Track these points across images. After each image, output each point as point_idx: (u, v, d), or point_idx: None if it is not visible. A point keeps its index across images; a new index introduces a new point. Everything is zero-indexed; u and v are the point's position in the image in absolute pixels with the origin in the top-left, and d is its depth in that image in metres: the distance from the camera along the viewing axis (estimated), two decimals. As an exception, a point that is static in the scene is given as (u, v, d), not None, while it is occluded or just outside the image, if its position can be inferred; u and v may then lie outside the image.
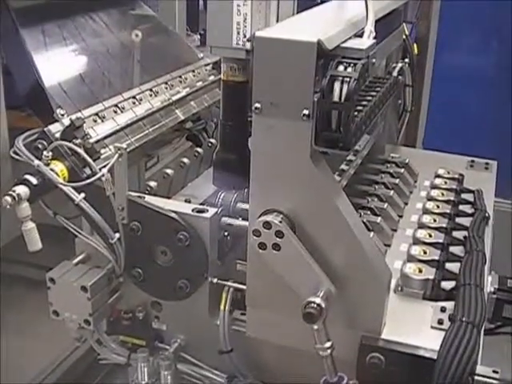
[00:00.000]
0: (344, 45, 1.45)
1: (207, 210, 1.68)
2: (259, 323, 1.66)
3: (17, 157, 1.65)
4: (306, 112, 1.39)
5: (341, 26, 1.54)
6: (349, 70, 1.40)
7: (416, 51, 2.61)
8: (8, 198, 1.56)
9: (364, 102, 1.59)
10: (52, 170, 1.63)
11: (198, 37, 4.58)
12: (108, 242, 1.70)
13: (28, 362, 3.22)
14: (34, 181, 1.61)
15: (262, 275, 1.57)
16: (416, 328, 1.61)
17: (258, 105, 1.43)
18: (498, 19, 4.27)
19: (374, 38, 1.55)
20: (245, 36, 1.59)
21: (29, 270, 3.68)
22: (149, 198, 1.73)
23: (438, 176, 2.43)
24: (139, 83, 2.18)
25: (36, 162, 1.62)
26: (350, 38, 1.51)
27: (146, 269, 1.74)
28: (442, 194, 2.25)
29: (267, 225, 1.46)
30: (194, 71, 2.46)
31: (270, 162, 1.48)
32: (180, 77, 2.37)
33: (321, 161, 1.48)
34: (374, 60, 1.53)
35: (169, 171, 2.05)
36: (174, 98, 2.21)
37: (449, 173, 2.44)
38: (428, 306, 1.69)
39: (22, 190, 1.59)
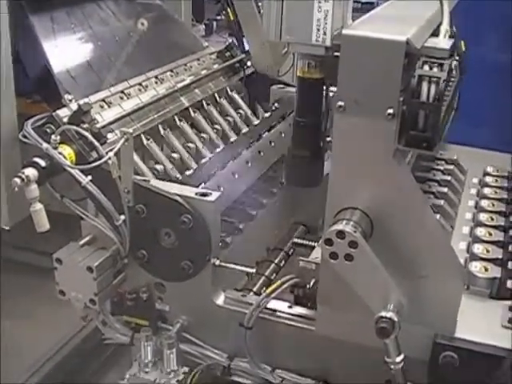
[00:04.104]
0: (428, 44, 1.45)
1: (210, 194, 1.71)
2: (330, 321, 1.66)
3: (26, 140, 1.69)
4: (390, 111, 1.39)
5: (418, 24, 1.52)
6: (435, 69, 1.40)
7: (464, 48, 2.60)
8: (17, 180, 1.60)
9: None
10: (60, 153, 1.67)
11: (203, 27, 4.61)
12: (113, 224, 1.74)
13: (30, 347, 3.25)
14: (42, 163, 1.65)
15: (334, 279, 1.53)
16: (487, 327, 1.61)
17: (341, 103, 1.43)
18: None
19: (451, 36, 1.55)
20: (325, 33, 1.54)
21: (33, 256, 3.71)
22: (154, 182, 1.77)
23: (487, 174, 2.41)
24: (145, 71, 2.21)
25: (44, 145, 1.66)
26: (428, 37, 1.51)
27: (151, 250, 1.77)
28: (495, 192, 2.23)
29: (341, 234, 1.42)
30: (198, 59, 2.49)
31: (352, 160, 1.48)
32: (185, 65, 2.41)
33: (402, 159, 1.49)
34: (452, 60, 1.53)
35: (175, 155, 2.08)
36: (179, 86, 2.25)
37: (498, 170, 2.43)
38: (495, 304, 1.69)
39: (30, 172, 1.62)
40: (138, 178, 1.75)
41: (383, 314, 1.43)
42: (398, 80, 1.38)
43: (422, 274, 1.52)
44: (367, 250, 1.43)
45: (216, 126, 2.34)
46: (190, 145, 2.17)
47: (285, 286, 1.73)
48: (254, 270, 1.88)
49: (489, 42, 4.35)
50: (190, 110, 2.27)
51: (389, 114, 1.39)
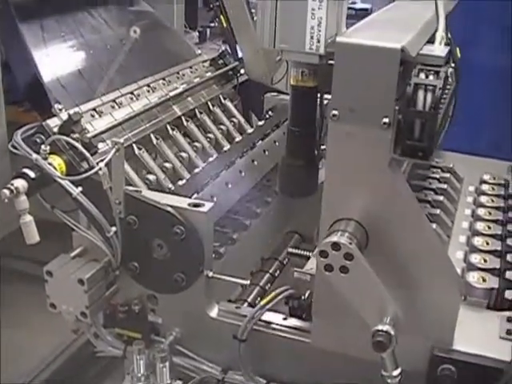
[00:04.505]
0: (423, 52, 1.43)
1: (203, 204, 1.69)
2: (325, 334, 1.64)
3: (15, 151, 1.67)
4: (386, 120, 1.37)
5: (414, 31, 1.50)
6: (430, 77, 1.38)
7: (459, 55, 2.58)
8: (6, 191, 1.57)
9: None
10: (50, 163, 1.65)
11: (197, 34, 4.60)
12: (105, 236, 1.71)
13: (24, 356, 3.22)
14: (32, 174, 1.62)
15: (330, 290, 1.49)
16: (485, 338, 1.59)
17: (335, 112, 1.41)
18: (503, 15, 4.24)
19: (446, 44, 1.53)
20: (319, 41, 1.53)
21: (26, 264, 3.69)
22: (145, 192, 1.75)
23: (483, 182, 2.39)
24: (137, 79, 2.19)
25: (34, 155, 1.64)
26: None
27: (143, 262, 1.75)
28: (492, 201, 2.21)
29: (336, 246, 1.39)
30: (191, 67, 2.48)
31: (346, 170, 1.46)
32: (177, 73, 2.39)
33: (398, 169, 1.47)
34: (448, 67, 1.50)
35: (167, 165, 2.06)
36: (171, 94, 2.23)
37: (494, 178, 2.41)
38: (493, 315, 1.67)
39: (20, 183, 1.60)
40: (130, 188, 1.72)
41: (380, 327, 1.41)
42: (394, 88, 1.36)
43: (419, 285, 1.50)
44: (363, 262, 1.40)
45: (209, 135, 2.32)
46: (183, 154, 2.14)
47: (279, 297, 1.71)
48: (248, 282, 1.86)
49: (486, 46, 4.34)
50: (183, 118, 2.25)
51: (384, 123, 1.37)
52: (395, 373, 1.45)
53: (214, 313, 1.76)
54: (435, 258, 1.49)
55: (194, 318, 1.77)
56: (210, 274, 1.72)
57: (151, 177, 1.96)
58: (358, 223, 1.46)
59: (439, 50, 1.47)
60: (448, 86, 1.76)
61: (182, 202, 1.70)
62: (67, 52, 2.09)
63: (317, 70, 1.63)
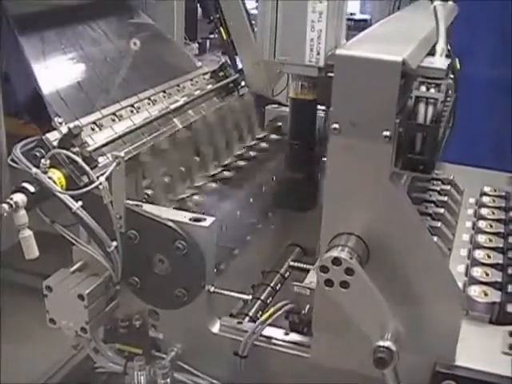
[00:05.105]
0: (424, 64, 1.41)
1: (205, 219, 1.68)
2: (325, 349, 1.62)
3: (14, 165, 1.65)
4: (387, 133, 1.35)
5: (414, 43, 1.49)
6: (432, 90, 1.36)
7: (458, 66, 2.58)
8: (5, 206, 1.56)
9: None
10: (50, 177, 1.63)
11: (197, 45, 4.61)
12: (105, 250, 1.69)
13: (25, 369, 3.20)
14: (31, 188, 1.61)
15: (330, 305, 1.48)
16: (487, 353, 1.56)
17: (336, 125, 1.39)
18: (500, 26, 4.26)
19: (447, 56, 1.51)
20: (318, 53, 1.53)
21: (28, 277, 3.67)
22: (146, 207, 1.73)
23: (484, 194, 2.37)
24: (137, 92, 2.18)
25: (34, 169, 1.62)
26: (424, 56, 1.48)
27: (144, 277, 1.73)
28: (493, 213, 2.19)
29: (336, 261, 1.38)
30: (192, 80, 2.46)
31: (347, 184, 1.44)
32: (178, 85, 2.37)
33: (399, 183, 1.45)
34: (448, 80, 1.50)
35: (166, 179, 2.04)
36: (172, 107, 2.21)
37: (495, 190, 2.39)
38: (495, 330, 1.65)
39: (19, 197, 1.58)
40: (130, 202, 1.70)
41: (381, 343, 1.39)
42: (394, 101, 1.35)
43: (421, 300, 1.48)
44: (364, 277, 1.39)
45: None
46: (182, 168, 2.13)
47: (279, 312, 1.70)
48: (250, 297, 1.84)
49: (484, 57, 4.35)
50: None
51: (385, 137, 1.36)
52: None
53: (215, 328, 1.74)
54: (437, 272, 1.48)
55: (195, 334, 1.75)
56: (212, 289, 1.70)
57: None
58: (359, 238, 1.45)
59: (440, 62, 1.45)
60: (448, 99, 1.76)
61: (184, 217, 1.69)
62: (67, 64, 2.08)
63: (316, 82, 1.61)
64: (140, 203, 1.74)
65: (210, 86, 2.49)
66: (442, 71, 1.41)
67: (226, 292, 1.74)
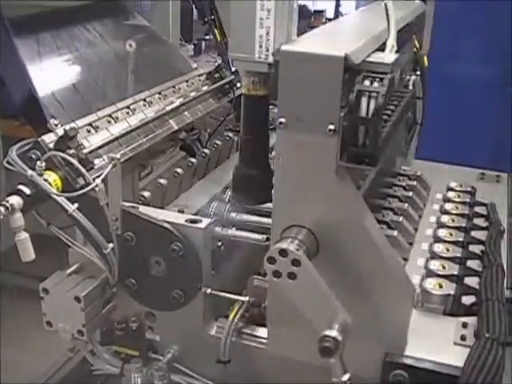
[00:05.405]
0: (369, 59, 1.44)
1: (201, 221, 1.68)
2: (281, 340, 1.64)
3: (10, 167, 1.65)
4: (331, 127, 1.37)
5: (363, 39, 1.52)
6: (375, 84, 1.38)
7: (426, 63, 2.60)
8: (1, 208, 1.55)
9: (385, 117, 1.58)
10: (45, 180, 1.63)
11: (192, 46, 4.60)
12: (101, 253, 1.69)
13: (22, 371, 3.21)
14: (27, 191, 1.60)
15: (282, 298, 1.51)
16: (439, 344, 1.59)
17: (283, 119, 1.42)
18: (494, 28, 4.28)
19: (396, 51, 1.54)
20: (267, 49, 1.54)
21: (25, 279, 3.67)
22: (142, 209, 1.73)
23: (450, 189, 2.40)
24: (133, 93, 2.17)
25: (29, 172, 1.62)
26: (373, 51, 1.50)
27: (140, 279, 1.73)
28: (457, 208, 2.23)
29: (283, 252, 1.41)
30: (187, 81, 2.46)
31: (294, 177, 1.46)
32: (174, 87, 2.37)
33: (346, 176, 1.46)
34: (394, 74, 1.52)
35: (162, 181, 2.04)
36: (168, 108, 2.21)
37: (461, 186, 2.42)
38: (449, 321, 1.68)
39: (15, 200, 1.58)
40: (127, 204, 1.70)
41: (327, 332, 1.40)
42: (338, 95, 1.37)
43: (370, 292, 1.50)
44: (310, 269, 1.41)
45: (205, 150, 2.30)
46: (178, 170, 2.13)
47: (242, 309, 1.71)
48: (246, 299, 1.83)
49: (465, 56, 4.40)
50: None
51: (330, 130, 1.38)
52: (344, 378, 1.44)
53: (212, 330, 1.74)
54: (386, 264, 1.50)
55: (192, 336, 1.75)
56: (209, 290, 1.70)
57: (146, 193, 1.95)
58: (309, 230, 1.47)
59: (387, 57, 1.48)
60: (406, 94, 1.78)
61: (180, 219, 1.69)
62: (62, 66, 2.08)
63: (268, 78, 1.64)
64: (136, 205, 1.74)
65: (205, 88, 2.49)
66: (387, 65, 1.43)
67: (222, 294, 1.73)
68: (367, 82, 1.39)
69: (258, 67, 1.56)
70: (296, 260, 1.40)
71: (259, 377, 1.74)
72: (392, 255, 1.58)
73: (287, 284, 1.42)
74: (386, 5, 1.62)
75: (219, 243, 1.76)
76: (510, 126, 4.27)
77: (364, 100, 1.37)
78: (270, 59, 1.51)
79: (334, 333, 1.39)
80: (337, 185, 1.44)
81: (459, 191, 2.38)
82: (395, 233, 2.00)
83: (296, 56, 1.39)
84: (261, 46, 1.53)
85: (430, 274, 1.82)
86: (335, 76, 1.35)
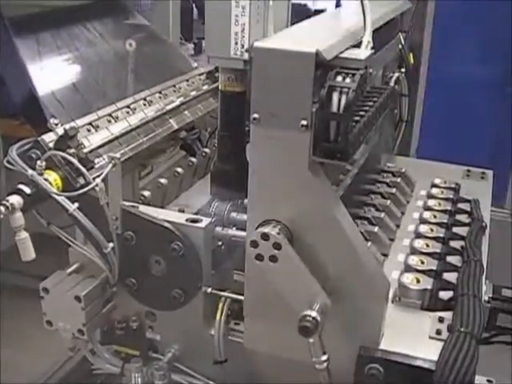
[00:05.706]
0: (342, 55, 1.45)
1: (201, 220, 1.67)
2: (257, 335, 1.65)
3: (10, 166, 1.65)
4: (304, 122, 1.38)
5: (339, 36, 1.53)
6: (347, 80, 1.39)
7: (412, 61, 2.61)
8: (1, 208, 1.55)
9: (362, 113, 1.58)
10: (46, 179, 1.63)
11: (192, 46, 4.59)
12: (102, 252, 1.69)
13: (22, 371, 3.21)
14: (27, 190, 1.60)
15: (260, 286, 1.56)
16: (414, 338, 1.60)
17: (256, 115, 1.43)
18: (493, 28, 4.29)
19: (372, 48, 1.54)
20: (243, 46, 1.58)
21: (26, 279, 3.68)
22: (142, 208, 1.73)
23: (434, 185, 2.42)
24: (133, 93, 2.17)
25: (30, 171, 1.62)
26: (348, 48, 1.51)
27: (140, 278, 1.73)
28: (439, 204, 2.24)
29: (265, 236, 1.44)
30: (187, 80, 2.46)
31: (268, 173, 1.47)
32: (174, 86, 2.37)
33: (319, 171, 1.47)
34: (371, 70, 1.53)
35: (163, 180, 2.04)
36: (168, 108, 2.21)
37: (445, 182, 2.44)
38: (426, 316, 1.69)
39: (15, 199, 1.58)
40: (127, 204, 1.70)
41: (307, 312, 1.42)
42: (310, 91, 1.37)
43: (344, 287, 1.51)
44: (290, 252, 1.45)
45: (205, 150, 2.30)
46: (179, 169, 2.12)
47: (226, 305, 1.71)
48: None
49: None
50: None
51: (302, 126, 1.39)
52: (323, 358, 1.47)
53: (212, 329, 1.73)
54: (358, 259, 1.50)
55: (192, 335, 1.75)
56: (209, 290, 1.70)
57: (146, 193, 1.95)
58: (284, 225, 1.48)
59: (359, 53, 1.49)
60: (385, 90, 1.79)
61: (180, 218, 1.68)
62: (62, 66, 2.08)
63: (244, 75, 1.65)
64: (136, 204, 1.74)
65: (205, 87, 2.48)
66: (361, 61, 1.44)
67: (222, 293, 1.73)
68: (340, 78, 1.40)
69: (234, 64, 1.60)
70: (277, 243, 1.44)
71: (259, 376, 1.74)
72: (366, 250, 1.59)
73: (269, 267, 1.46)
74: (361, 1, 1.62)
75: (219, 243, 1.76)
76: (510, 126, 4.27)
77: (335, 95, 1.38)
78: (246, 56, 1.52)
79: (313, 313, 1.42)
80: (310, 180, 1.44)
81: (443, 188, 2.40)
82: (376, 229, 2.01)
83: (268, 52, 1.40)
84: (236, 43, 1.57)
85: (408, 269, 1.83)
86: (307, 72, 1.36)
